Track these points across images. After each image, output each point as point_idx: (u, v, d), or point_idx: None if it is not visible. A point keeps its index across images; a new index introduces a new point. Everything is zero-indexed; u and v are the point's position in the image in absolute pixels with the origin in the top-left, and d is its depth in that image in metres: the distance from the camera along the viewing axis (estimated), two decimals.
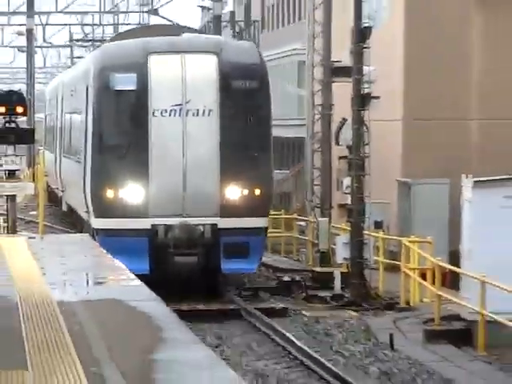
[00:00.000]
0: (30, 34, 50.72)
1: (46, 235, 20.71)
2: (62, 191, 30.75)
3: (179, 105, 18.36)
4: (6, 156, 22.17)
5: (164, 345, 9.13)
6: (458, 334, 19.41)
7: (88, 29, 58.62)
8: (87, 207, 19.85)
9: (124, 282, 13.03)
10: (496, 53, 30.06)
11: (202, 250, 18.43)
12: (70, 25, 54.18)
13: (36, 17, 50.80)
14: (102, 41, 46.17)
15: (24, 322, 9.82)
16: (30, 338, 9.12)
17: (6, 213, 24.15)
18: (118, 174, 18.32)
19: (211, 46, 19.48)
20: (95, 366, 7.98)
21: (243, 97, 18.67)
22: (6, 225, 24.12)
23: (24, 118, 24.11)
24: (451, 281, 21.11)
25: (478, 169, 23.56)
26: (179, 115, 18.40)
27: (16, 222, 23.42)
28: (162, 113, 18.36)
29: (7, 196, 23.04)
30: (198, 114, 18.50)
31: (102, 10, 52.26)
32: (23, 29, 52.07)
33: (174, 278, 18.50)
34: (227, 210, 18.48)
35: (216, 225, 18.33)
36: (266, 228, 20.02)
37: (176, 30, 21.68)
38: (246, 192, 18.46)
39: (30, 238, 18.68)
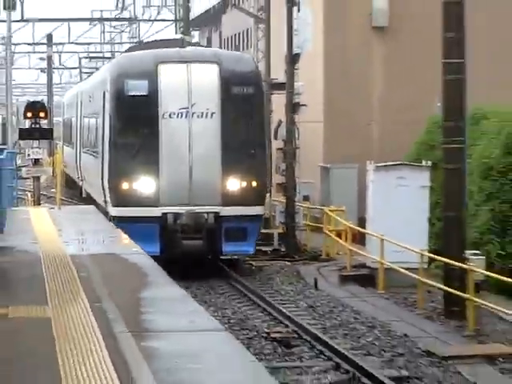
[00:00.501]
0: (49, 59, 50.72)
1: (63, 206, 19.49)
2: (82, 181, 27.56)
3: (186, 108, 16.68)
4: (32, 148, 21.74)
5: (149, 286, 8.94)
6: (364, 277, 19.29)
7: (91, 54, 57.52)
8: (105, 197, 18.07)
9: (122, 241, 12.66)
10: (393, 74, 29.92)
11: (206, 234, 16.73)
12: (78, 52, 53.00)
13: (54, 46, 49.82)
14: (105, 59, 45.69)
15: (45, 271, 9.88)
16: (50, 282, 8.87)
17: (32, 190, 23.69)
18: (133, 168, 16.58)
19: (213, 57, 17.78)
20: (98, 302, 7.80)
21: (241, 101, 16.97)
22: (32, 199, 23.50)
23: (45, 121, 22.88)
24: (359, 239, 20.97)
25: (378, 157, 23.38)
26: (186, 117, 16.69)
27: (40, 197, 22.89)
28: (170, 115, 16.65)
29: (33, 177, 22.57)
30: (202, 116, 16.76)
31: (102, 41, 51.29)
32: (44, 55, 51.10)
33: (181, 258, 16.92)
34: (228, 200, 16.76)
35: (218, 213, 16.71)
36: (262, 215, 18.27)
37: (181, 43, 19.54)
38: (244, 184, 16.68)
39: (51, 208, 18.20)
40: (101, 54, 51.39)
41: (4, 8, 29.53)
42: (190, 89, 16.55)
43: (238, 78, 16.86)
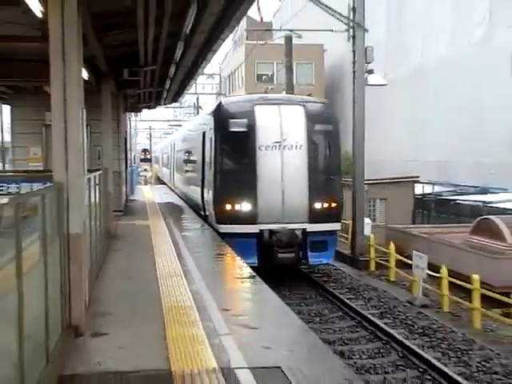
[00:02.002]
0: (150, 136, 74.52)
1: (154, 186, 45.68)
2: (173, 185, 35.00)
3: (278, 142, 18.15)
4: (144, 165, 54.49)
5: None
6: None
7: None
8: (204, 211, 20.23)
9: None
10: None
11: (297, 247, 17.94)
12: (156, 121, 68.53)
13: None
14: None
15: (148, 207, 24.03)
16: (149, 211, 22.41)
17: (143, 179, 53.98)
18: (235, 192, 17.80)
19: (299, 100, 19.48)
20: (166, 218, 20.63)
21: (322, 136, 18.68)
22: (144, 182, 51.92)
23: (148, 156, 54.67)
24: None
25: None
26: (278, 149, 18.09)
27: (146, 182, 53.27)
28: (266, 147, 18.04)
29: (145, 175, 55.00)
30: (292, 148, 18.09)
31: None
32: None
33: (276, 267, 18.05)
34: (312, 218, 17.90)
35: (305, 229, 17.95)
36: (338, 230, 19.41)
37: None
38: (325, 205, 18.05)
39: (151, 186, 46.58)
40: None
41: None
42: (281, 126, 18.29)
43: (320, 118, 18.63)
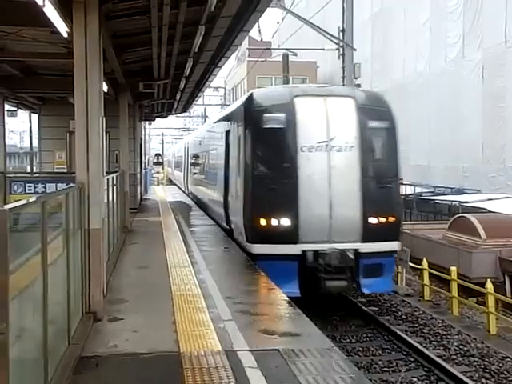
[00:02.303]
0: (162, 142, 76.73)
1: (166, 186, 46.15)
2: (187, 189, 30.75)
3: (324, 142, 13.05)
4: (156, 168, 54.47)
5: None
6: None
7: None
8: (234, 226, 14.44)
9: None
10: None
11: (350, 274, 12.81)
12: (168, 128, 69.48)
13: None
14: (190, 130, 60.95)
15: (160, 205, 23.94)
16: (161, 209, 21.97)
17: (156, 180, 51.94)
18: (270, 204, 12.66)
19: (347, 91, 14.48)
20: (176, 215, 19.73)
21: (378, 135, 13.45)
22: (156, 183, 50.15)
23: (160, 159, 52.19)
24: None
25: None
26: (325, 151, 13.02)
27: (158, 182, 51.07)
28: (309, 149, 12.92)
29: (157, 177, 54.66)
30: (341, 150, 13.10)
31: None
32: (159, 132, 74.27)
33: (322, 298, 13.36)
34: (366, 236, 12.82)
35: (358, 250, 12.78)
36: (397, 251, 13.92)
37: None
38: (382, 219, 12.91)
39: (163, 186, 45.88)
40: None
41: None
42: (328, 122, 13.20)
43: (374, 112, 13.58)
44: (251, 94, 13.69)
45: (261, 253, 12.36)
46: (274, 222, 12.53)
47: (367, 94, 14.65)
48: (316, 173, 12.86)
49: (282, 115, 12.98)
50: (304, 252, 12.57)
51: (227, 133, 15.40)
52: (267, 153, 13.00)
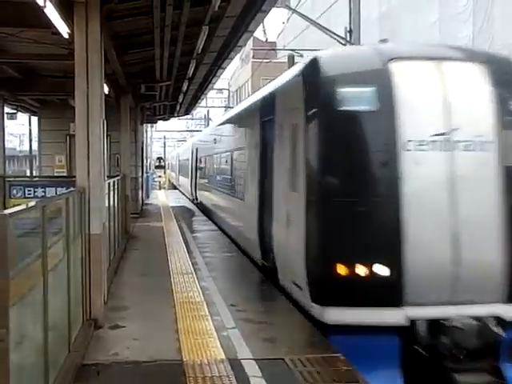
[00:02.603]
0: (164, 145, 73.79)
1: (167, 190, 47.13)
2: (195, 197, 26.68)
3: (443, 134, 7.43)
4: (158, 172, 54.57)
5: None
6: None
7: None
8: (281, 272, 9.35)
9: None
10: None
11: (493, 359, 7.19)
12: (170, 131, 66.17)
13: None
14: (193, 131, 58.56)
15: (162, 211, 23.83)
16: (163, 215, 21.61)
17: (158, 184, 52.64)
18: (354, 239, 7.28)
19: (476, 54, 8.43)
20: (178, 221, 19.76)
21: None
22: (158, 187, 50.25)
23: (162, 163, 52.77)
24: None
25: None
26: (444, 149, 7.43)
27: (160, 186, 51.69)
28: (418, 146, 7.36)
29: (159, 181, 55.04)
30: (470, 148, 7.50)
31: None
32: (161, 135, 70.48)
33: None
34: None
35: (501, 316, 7.27)
36: None
37: None
38: None
39: (165, 190, 48.10)
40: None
41: None
42: (447, 102, 7.65)
43: None
44: (315, 58, 8.31)
45: (339, 322, 7.30)
46: (361, 269, 7.27)
47: (502, 58, 8.99)
48: (431, 186, 7.51)
49: (371, 90, 7.65)
50: (413, 322, 7.32)
51: (265, 123, 10.67)
52: (347, 153, 7.63)
